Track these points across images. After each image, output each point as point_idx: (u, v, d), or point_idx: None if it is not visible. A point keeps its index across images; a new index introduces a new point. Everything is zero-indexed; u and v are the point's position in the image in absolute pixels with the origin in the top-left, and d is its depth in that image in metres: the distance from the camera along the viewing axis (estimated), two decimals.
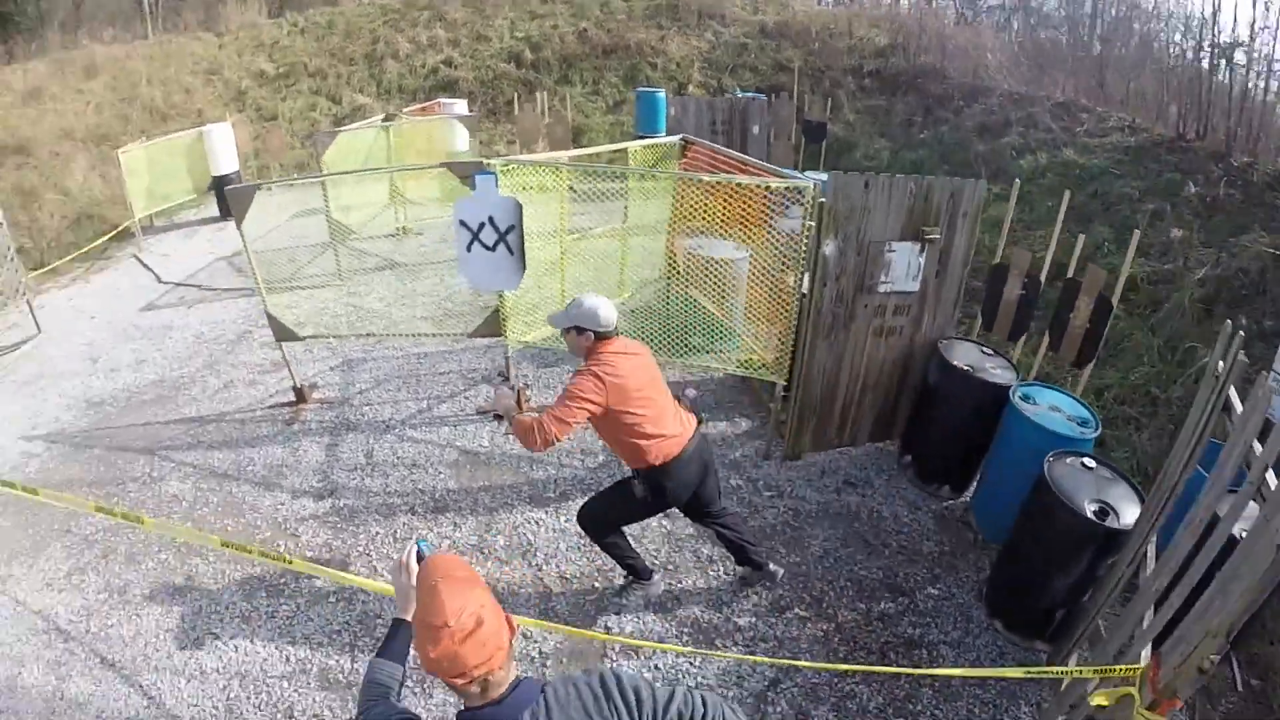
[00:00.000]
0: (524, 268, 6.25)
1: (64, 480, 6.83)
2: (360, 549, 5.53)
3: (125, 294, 11.22)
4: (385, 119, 13.04)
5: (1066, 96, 13.94)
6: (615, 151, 8.27)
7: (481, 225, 6.16)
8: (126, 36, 23.11)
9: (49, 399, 8.67)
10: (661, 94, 15.00)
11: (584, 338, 3.58)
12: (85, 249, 12.89)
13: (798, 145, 15.32)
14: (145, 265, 12.28)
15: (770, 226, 5.82)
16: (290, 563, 4.11)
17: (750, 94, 14.87)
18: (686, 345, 6.53)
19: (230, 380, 8.16)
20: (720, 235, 6.77)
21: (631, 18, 22.48)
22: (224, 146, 13.87)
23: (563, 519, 5.69)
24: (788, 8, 22.43)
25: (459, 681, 1.61)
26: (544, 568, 5.27)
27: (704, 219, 6.73)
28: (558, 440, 3.38)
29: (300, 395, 7.43)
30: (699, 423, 3.90)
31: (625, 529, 4.25)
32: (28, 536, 5.93)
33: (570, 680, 1.76)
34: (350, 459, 6.49)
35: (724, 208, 6.21)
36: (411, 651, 2.01)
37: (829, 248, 5.23)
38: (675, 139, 8.22)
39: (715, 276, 6.82)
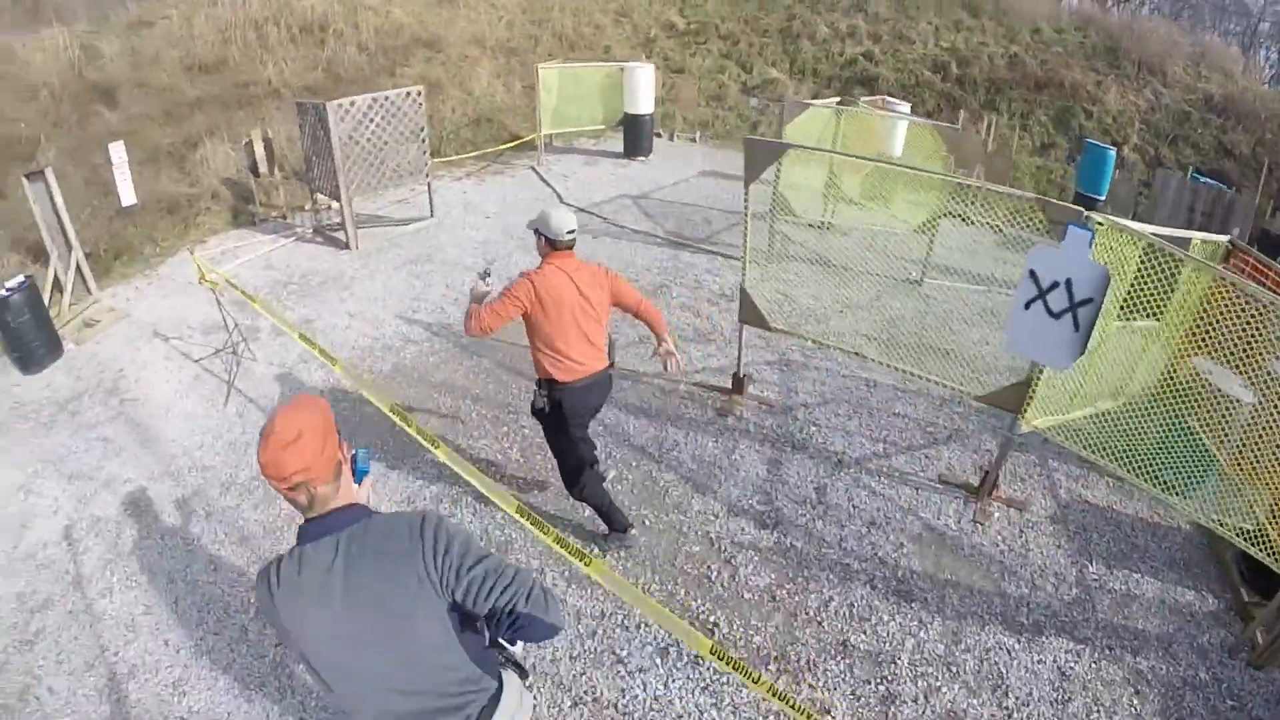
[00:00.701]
0: (1084, 349, 5.01)
1: (442, 382, 6.60)
2: (809, 613, 4.55)
3: (521, 203, 10.92)
4: (839, 102, 11.52)
5: None
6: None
7: (1054, 285, 5.00)
8: None
9: (434, 285, 8.35)
10: (1112, 153, 12.86)
11: (541, 242, 3.96)
12: (484, 150, 12.80)
13: None
14: (544, 180, 11.96)
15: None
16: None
17: (1212, 182, 12.04)
18: (1156, 476, 5.10)
19: (646, 335, 7.14)
20: (1233, 367, 5.30)
21: (1066, 52, 19.81)
22: (644, 88, 13.52)
23: (1036, 657, 4.44)
24: (1232, 79, 18.70)
25: (283, 487, 1.81)
26: (1014, 714, 4.05)
27: (1230, 342, 5.07)
28: (490, 329, 3.84)
29: (737, 384, 6.48)
30: (610, 364, 4.12)
31: (586, 448, 4.32)
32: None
33: (397, 514, 2.00)
34: (798, 487, 5.53)
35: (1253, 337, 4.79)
36: None
37: None
38: (1222, 239, 6.22)
39: (1221, 413, 5.29)
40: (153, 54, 13.92)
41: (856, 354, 6.33)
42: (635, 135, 13.78)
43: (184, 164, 11.38)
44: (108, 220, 10.01)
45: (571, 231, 3.87)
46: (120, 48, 13.89)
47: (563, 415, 4.04)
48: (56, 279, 8.53)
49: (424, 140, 9.68)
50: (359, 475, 2.03)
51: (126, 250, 9.75)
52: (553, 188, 11.82)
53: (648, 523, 5.10)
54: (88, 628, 4.53)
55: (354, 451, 2.06)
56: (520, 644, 2.61)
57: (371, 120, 9.15)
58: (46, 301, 8.16)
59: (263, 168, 10.52)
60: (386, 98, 9.21)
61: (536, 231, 3.96)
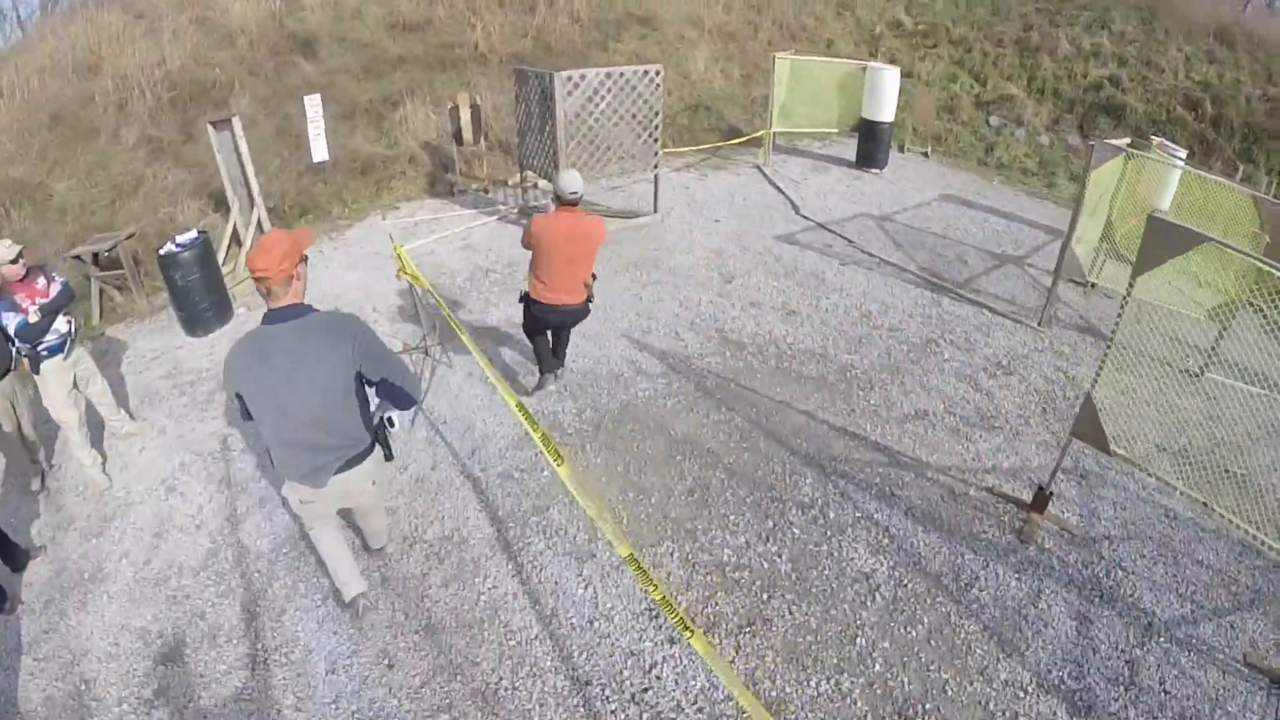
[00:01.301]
0: None
1: (685, 438, 5.13)
2: None
3: (752, 208, 9.36)
4: (1130, 144, 8.94)
5: None
6: None
7: None
8: None
9: (664, 300, 6.78)
10: None
11: (551, 199, 4.92)
12: (711, 144, 11.22)
13: None
14: (772, 182, 10.20)
15: None
16: None
17: None
18: None
19: (922, 410, 5.57)
20: None
21: None
22: (888, 93, 11.49)
23: None
24: None
25: (255, 280, 2.79)
26: None
27: None
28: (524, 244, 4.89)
29: (1040, 501, 4.65)
30: (585, 300, 4.99)
31: (546, 342, 5.33)
32: None
33: (334, 311, 3.08)
34: (1109, 659, 3.82)
35: None
36: None
37: None
38: None
39: None
40: (355, 7, 13.14)
41: (1157, 478, 4.29)
42: (872, 144, 11.81)
43: (381, 123, 10.32)
44: (296, 175, 9.00)
45: (574, 193, 4.70)
46: (322, 0, 13.18)
47: (531, 316, 5.09)
48: (235, 232, 7.45)
49: (656, 126, 8.11)
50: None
51: (313, 208, 8.69)
52: (784, 194, 10.02)
53: (949, 690, 3.48)
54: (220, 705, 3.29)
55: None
56: (397, 426, 3.34)
57: (602, 98, 7.66)
58: (222, 257, 7.09)
59: (466, 135, 9.25)
60: (621, 74, 7.70)
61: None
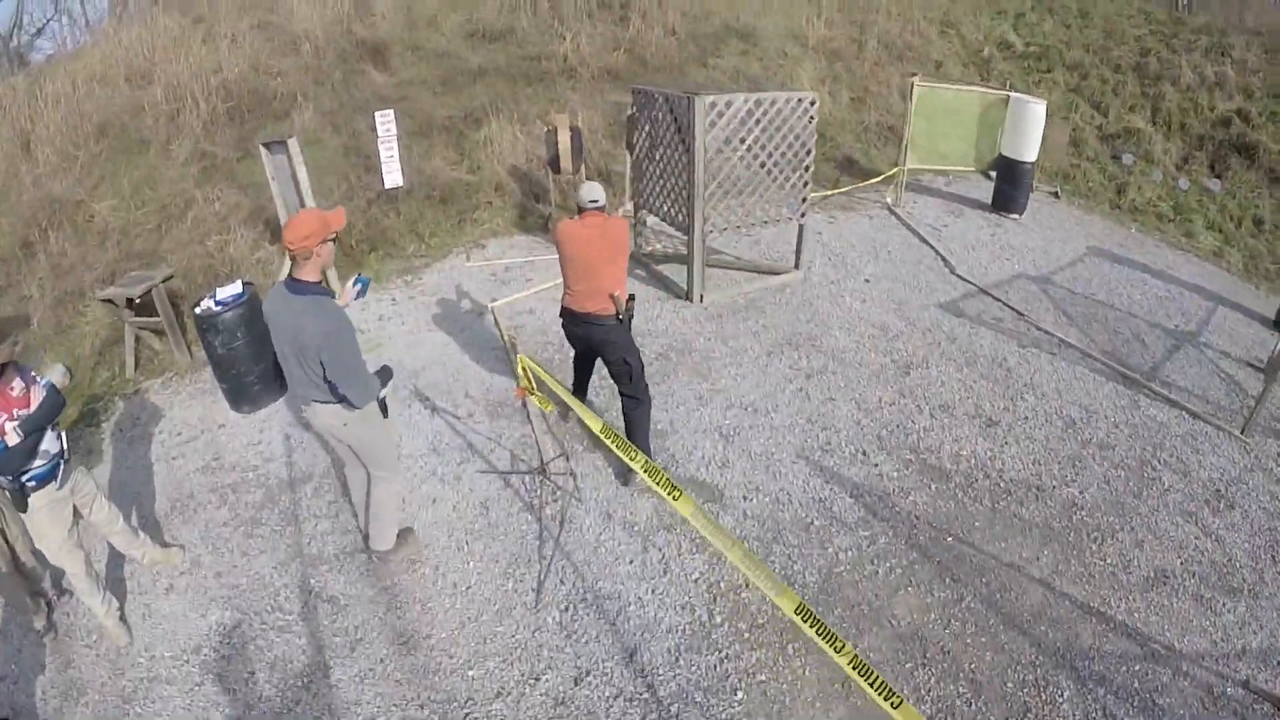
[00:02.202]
0: None
1: (909, 629, 3.89)
2: None
3: (900, 265, 8.05)
4: None
5: None
6: None
7: None
8: None
9: (838, 399, 5.58)
10: None
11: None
12: (845, 187, 9.81)
13: None
14: (913, 231, 8.75)
15: None
16: None
17: None
18: None
19: (1160, 569, 4.42)
20: None
21: None
22: (1033, 127, 10.04)
23: None
24: None
25: (284, 246, 3.33)
26: None
27: None
28: None
29: None
30: (617, 315, 4.39)
31: (579, 375, 5.09)
32: None
33: (333, 309, 3.36)
34: None
35: None
36: None
37: None
38: None
39: None
40: (431, 13, 11.94)
41: None
42: (1012, 186, 10.32)
43: (462, 144, 9.02)
44: (365, 204, 7.72)
45: (594, 201, 4.34)
46: (395, 3, 12.00)
47: (565, 334, 4.76)
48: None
49: (808, 168, 6.66)
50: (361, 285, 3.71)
51: (383, 243, 7.39)
52: (931, 246, 8.51)
53: None
54: None
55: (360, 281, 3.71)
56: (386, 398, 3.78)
57: (749, 130, 6.22)
58: None
59: (564, 162, 7.87)
60: (772, 102, 6.25)
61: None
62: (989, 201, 10.46)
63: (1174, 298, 8.01)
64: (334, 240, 3.29)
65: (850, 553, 4.18)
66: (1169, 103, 15.81)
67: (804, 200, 6.74)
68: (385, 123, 6.79)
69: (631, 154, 7.19)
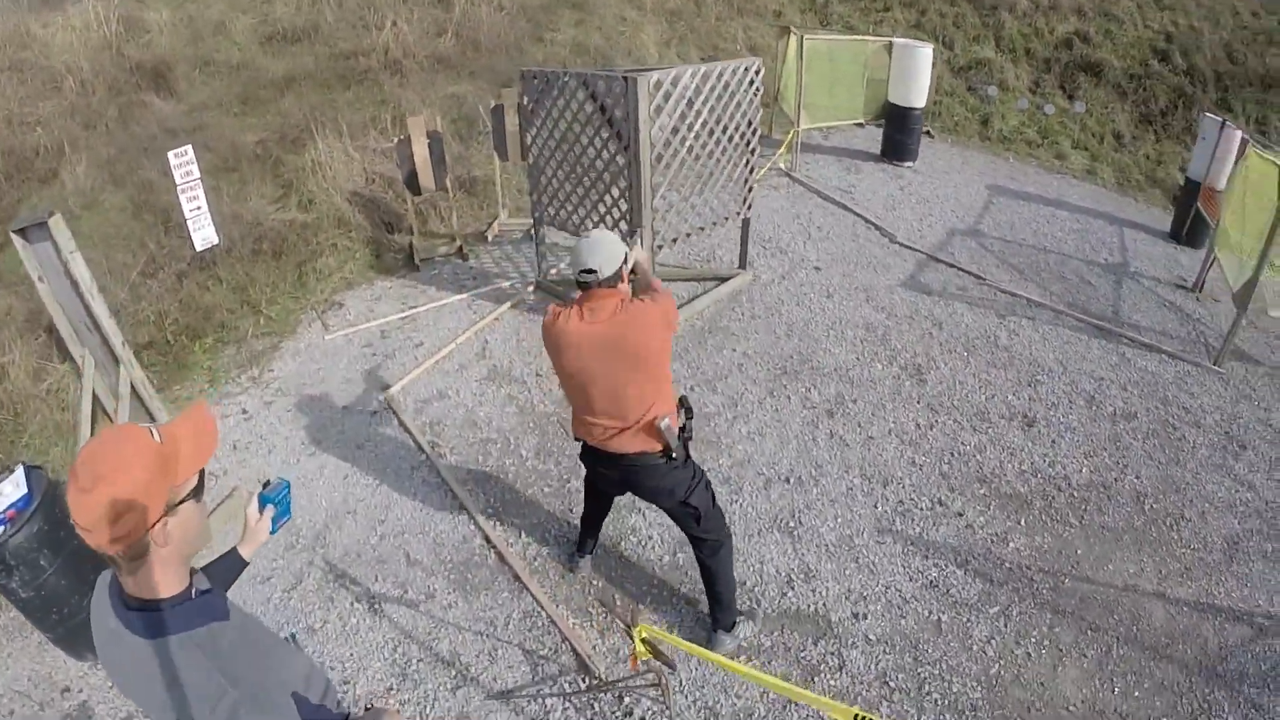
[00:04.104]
0: None
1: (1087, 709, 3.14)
2: None
3: (837, 242, 7.16)
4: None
5: None
6: None
7: None
8: None
9: (879, 443, 4.59)
10: None
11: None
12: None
13: None
14: (828, 198, 7.97)
15: None
16: None
17: None
18: None
19: (1229, 537, 4.26)
20: None
21: (1273, 44, 16.32)
22: (922, 73, 9.63)
23: None
24: None
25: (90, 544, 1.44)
26: None
27: None
28: None
29: None
30: (663, 452, 2.79)
31: (594, 508, 3.47)
32: None
33: (205, 672, 1.40)
34: None
35: None
36: None
37: None
38: None
39: None
40: (216, 20, 9.83)
41: None
42: (903, 134, 9.81)
43: (282, 173, 7.14)
44: (174, 277, 5.79)
45: (587, 271, 2.60)
46: (172, 17, 9.77)
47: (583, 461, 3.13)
48: (98, 404, 4.20)
49: (754, 149, 5.46)
50: (272, 505, 1.84)
51: (210, 326, 5.53)
52: (860, 215, 7.63)
53: None
54: None
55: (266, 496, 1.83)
56: None
57: (697, 112, 4.91)
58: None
59: (424, 179, 6.25)
60: (719, 74, 4.93)
61: None
62: (878, 152, 10.01)
63: (1087, 229, 8.22)
64: (195, 493, 1.42)
65: (994, 642, 3.42)
66: (1010, 30, 16.25)
67: (750, 189, 5.52)
68: (182, 164, 4.87)
69: (525, 157, 5.67)
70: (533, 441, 4.42)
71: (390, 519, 3.89)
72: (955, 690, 3.15)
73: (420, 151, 6.16)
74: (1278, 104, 14.96)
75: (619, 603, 3.37)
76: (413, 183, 6.28)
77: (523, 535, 3.78)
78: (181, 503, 1.35)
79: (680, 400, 2.95)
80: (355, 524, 3.85)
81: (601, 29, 11.92)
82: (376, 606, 3.41)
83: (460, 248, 6.60)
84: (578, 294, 2.73)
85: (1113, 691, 3.23)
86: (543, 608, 3.35)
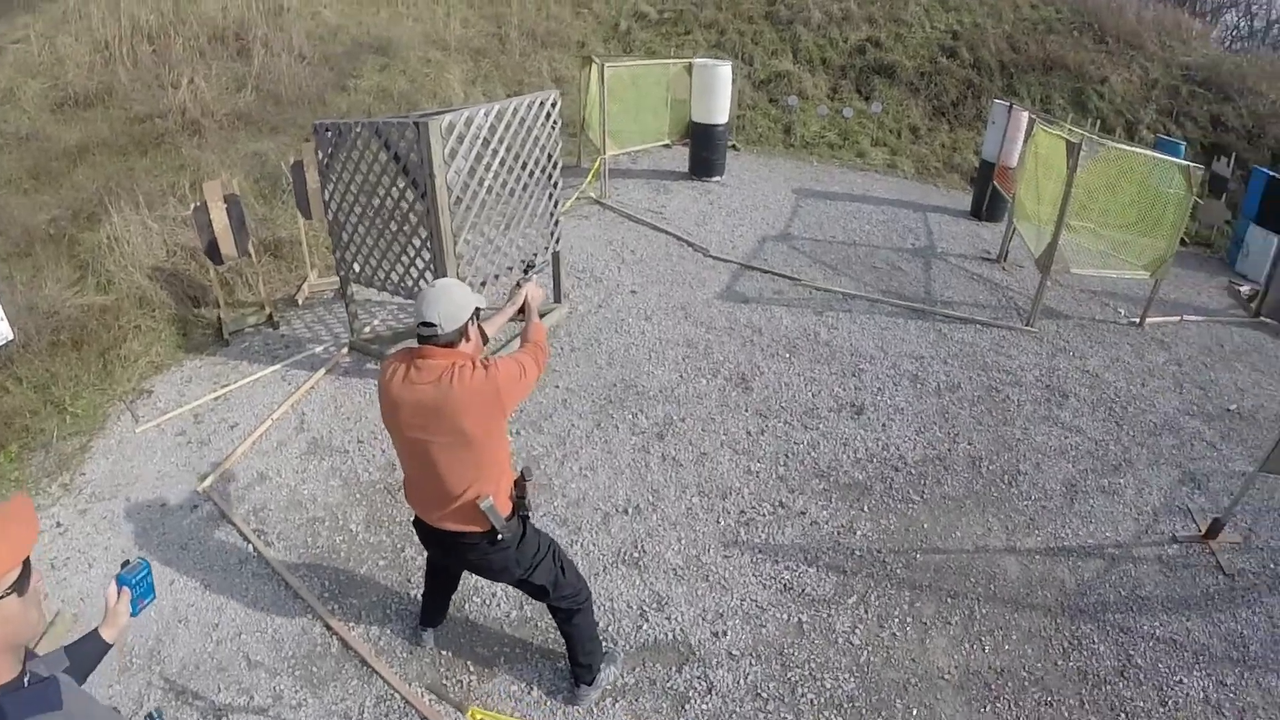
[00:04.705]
0: None
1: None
2: None
3: (652, 264, 7.52)
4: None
5: None
6: None
7: None
8: None
9: (713, 456, 5.00)
10: (1183, 146, 10.38)
11: None
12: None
13: None
14: (640, 221, 8.51)
15: None
16: None
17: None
18: None
19: (1066, 481, 4.83)
20: None
21: (1053, 31, 18.33)
22: (723, 91, 10.05)
23: None
24: (1195, 47, 17.61)
25: None
26: None
27: None
28: None
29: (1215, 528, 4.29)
30: (490, 532, 2.59)
31: (434, 584, 3.32)
32: None
33: None
34: None
35: None
36: None
37: None
38: None
39: None
40: (4, 87, 9.20)
41: None
42: (708, 151, 10.33)
43: (76, 252, 6.84)
44: None
45: (427, 324, 2.37)
46: None
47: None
48: None
49: (556, 182, 5.73)
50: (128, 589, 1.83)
51: (12, 432, 5.23)
52: (667, 233, 8.06)
53: None
54: None
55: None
56: None
57: (494, 152, 5.12)
58: None
59: (225, 247, 6.17)
60: (514, 111, 5.15)
61: None
62: (686, 170, 10.45)
63: (893, 218, 8.75)
64: (18, 586, 1.41)
65: (859, 631, 3.67)
66: (806, 42, 17.20)
67: (556, 222, 5.79)
68: None
69: (327, 212, 5.70)
70: (361, 514, 4.34)
71: (224, 622, 3.70)
72: (829, 686, 3.35)
73: (219, 218, 6.05)
74: (1059, 85, 16.75)
75: (449, 688, 3.33)
76: (214, 252, 6.14)
77: (363, 616, 3.67)
78: (2, 599, 1.34)
79: (521, 474, 2.75)
80: (189, 633, 3.64)
81: (406, 72, 11.94)
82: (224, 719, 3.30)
83: (270, 315, 6.49)
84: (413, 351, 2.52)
85: (983, 650, 3.51)
86: (395, 690, 3.31)
